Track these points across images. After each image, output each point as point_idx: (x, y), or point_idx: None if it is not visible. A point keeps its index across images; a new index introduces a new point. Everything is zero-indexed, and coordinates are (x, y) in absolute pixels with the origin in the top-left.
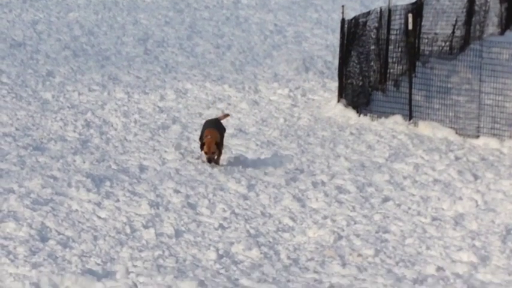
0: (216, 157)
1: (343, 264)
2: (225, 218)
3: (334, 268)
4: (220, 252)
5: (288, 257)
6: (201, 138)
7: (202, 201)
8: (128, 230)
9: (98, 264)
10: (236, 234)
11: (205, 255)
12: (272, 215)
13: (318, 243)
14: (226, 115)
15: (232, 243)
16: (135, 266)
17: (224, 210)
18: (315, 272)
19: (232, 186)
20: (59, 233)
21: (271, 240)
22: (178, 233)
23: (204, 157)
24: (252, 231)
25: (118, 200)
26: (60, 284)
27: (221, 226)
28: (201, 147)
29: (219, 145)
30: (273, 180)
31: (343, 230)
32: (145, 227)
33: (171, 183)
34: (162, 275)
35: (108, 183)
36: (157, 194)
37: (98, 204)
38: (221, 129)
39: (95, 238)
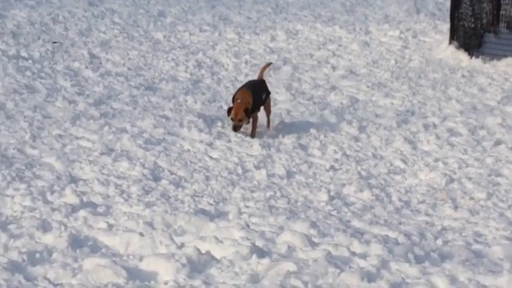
0: (242, 124)
1: (455, 207)
2: (336, 160)
3: (446, 211)
4: (332, 193)
5: (400, 199)
6: (233, 100)
7: (314, 142)
8: (240, 171)
9: (211, 204)
10: (347, 175)
11: (316, 197)
12: (383, 157)
13: (430, 186)
14: (269, 64)
15: (343, 185)
16: (247, 207)
17: (335, 152)
18: (427, 214)
19: (344, 128)
20: (172, 173)
21: (382, 182)
22: (289, 174)
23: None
24: (363, 173)
25: (230, 141)
26: (174, 223)
27: (332, 168)
28: (228, 113)
29: (250, 111)
30: (384, 122)
31: (455, 173)
32: (257, 167)
33: (282, 124)
34: (274, 215)
35: (219, 123)
36: (268, 135)
37: (210, 144)
38: (260, 93)
39: (207, 178)
